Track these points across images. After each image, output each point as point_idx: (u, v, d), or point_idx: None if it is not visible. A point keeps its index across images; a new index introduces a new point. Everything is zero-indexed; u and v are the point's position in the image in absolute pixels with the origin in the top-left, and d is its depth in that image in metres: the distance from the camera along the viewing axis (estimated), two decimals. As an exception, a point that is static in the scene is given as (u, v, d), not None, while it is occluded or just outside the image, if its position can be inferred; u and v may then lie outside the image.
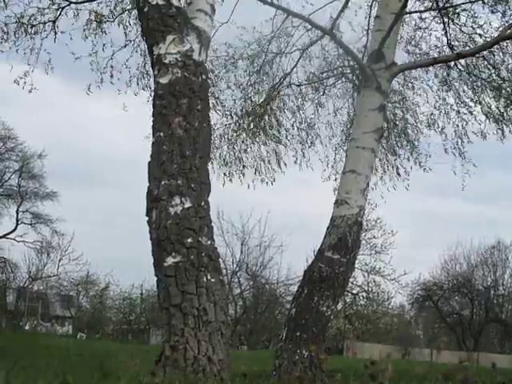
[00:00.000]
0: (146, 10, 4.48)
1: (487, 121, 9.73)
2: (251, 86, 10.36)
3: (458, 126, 10.07)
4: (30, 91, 8.74)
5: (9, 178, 33.81)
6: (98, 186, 54.54)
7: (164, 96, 4.26)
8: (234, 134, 10.38)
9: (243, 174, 10.42)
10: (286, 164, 10.54)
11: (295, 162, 10.60)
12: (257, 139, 10.46)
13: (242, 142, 10.40)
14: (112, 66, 9.09)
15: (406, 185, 10.53)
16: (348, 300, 32.88)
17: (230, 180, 10.29)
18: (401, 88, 10.49)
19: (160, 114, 4.24)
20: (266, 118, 10.47)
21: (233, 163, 10.36)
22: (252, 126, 10.40)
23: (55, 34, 8.83)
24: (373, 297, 34.03)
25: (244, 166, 10.43)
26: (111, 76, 9.10)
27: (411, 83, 10.37)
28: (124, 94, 9.34)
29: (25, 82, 8.73)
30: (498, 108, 9.58)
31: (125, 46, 9.07)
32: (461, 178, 10.03)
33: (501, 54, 9.20)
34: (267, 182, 10.52)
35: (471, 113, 9.90)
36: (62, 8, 8.78)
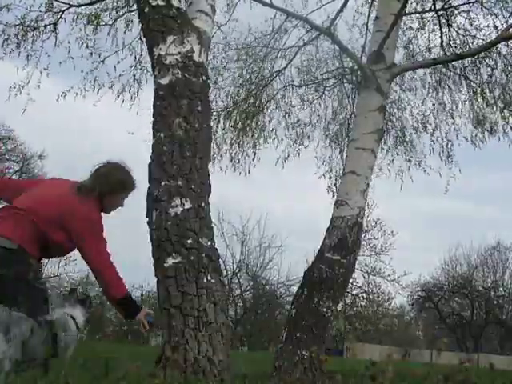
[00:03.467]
0: (146, 10, 4.48)
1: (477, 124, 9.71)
2: (243, 81, 10.37)
3: (449, 129, 10.07)
4: (24, 110, 8.87)
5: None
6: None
7: (164, 97, 4.26)
8: (220, 131, 10.37)
9: (216, 159, 10.39)
10: (259, 158, 10.54)
11: (285, 159, 10.60)
12: (242, 135, 10.44)
13: (224, 129, 10.39)
14: (96, 79, 9.12)
15: (400, 186, 10.54)
16: (348, 301, 32.89)
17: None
18: (397, 89, 10.51)
19: (160, 114, 4.24)
20: (256, 113, 10.47)
21: (213, 149, 10.33)
22: (236, 119, 10.39)
23: (56, 36, 8.86)
24: (373, 298, 34.06)
25: (221, 156, 10.42)
26: (95, 81, 9.14)
27: (408, 84, 10.40)
28: (111, 87, 9.36)
29: (21, 92, 8.78)
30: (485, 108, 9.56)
31: (122, 50, 9.09)
32: (447, 181, 9.99)
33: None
34: (240, 173, 10.53)
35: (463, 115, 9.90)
36: (63, 11, 8.80)
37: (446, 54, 9.18)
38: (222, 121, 10.36)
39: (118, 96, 9.36)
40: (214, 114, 10.24)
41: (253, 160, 10.50)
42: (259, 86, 10.37)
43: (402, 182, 10.47)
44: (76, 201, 3.38)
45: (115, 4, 8.99)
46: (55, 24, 8.84)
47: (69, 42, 8.83)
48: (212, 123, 10.21)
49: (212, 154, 10.21)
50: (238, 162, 10.43)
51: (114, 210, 3.65)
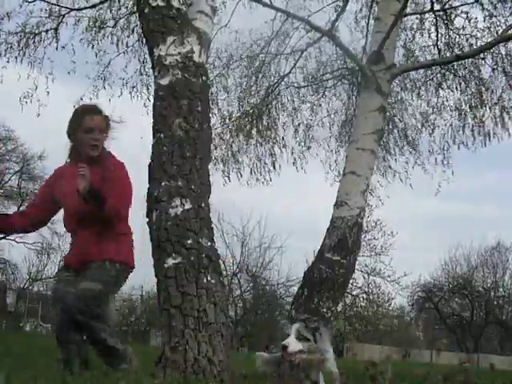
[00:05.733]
0: (146, 11, 4.48)
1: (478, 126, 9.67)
2: (249, 87, 10.38)
3: (447, 130, 10.03)
4: (38, 115, 8.90)
5: (9, 180, 33.91)
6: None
7: (164, 97, 4.26)
8: (229, 135, 10.40)
9: (240, 174, 10.44)
10: (280, 166, 10.56)
11: (293, 164, 10.60)
12: (252, 140, 10.48)
13: (239, 141, 10.43)
14: (104, 78, 9.12)
15: (409, 185, 10.51)
16: (348, 301, 32.88)
17: (228, 178, 10.30)
18: (399, 89, 10.49)
19: (160, 115, 4.24)
20: (264, 119, 10.48)
21: (230, 162, 10.38)
22: (248, 128, 10.41)
23: (57, 41, 8.87)
24: (373, 298, 34.05)
25: (240, 165, 10.45)
26: (104, 87, 9.15)
27: (408, 85, 10.39)
28: (121, 94, 9.38)
29: (31, 101, 8.82)
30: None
31: (125, 52, 9.09)
32: (438, 183, 9.95)
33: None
34: (263, 182, 10.55)
35: (462, 116, 9.86)
36: (63, 15, 8.81)
37: (440, 54, 9.17)
38: (233, 131, 10.40)
39: (131, 95, 9.33)
40: (226, 126, 10.30)
41: (273, 168, 10.52)
42: (267, 92, 10.38)
43: (409, 181, 10.44)
44: None
45: (115, 6, 8.99)
46: (56, 29, 8.85)
47: (72, 45, 8.85)
48: (225, 135, 10.31)
49: (234, 168, 10.30)
50: (258, 172, 10.47)
51: (87, 149, 4.12)
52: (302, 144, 10.63)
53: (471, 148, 9.70)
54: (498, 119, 9.48)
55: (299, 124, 10.68)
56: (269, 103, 10.45)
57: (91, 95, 9.17)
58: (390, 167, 10.54)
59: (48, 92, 8.83)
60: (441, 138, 10.00)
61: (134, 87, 9.32)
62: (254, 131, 10.41)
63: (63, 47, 8.80)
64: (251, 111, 10.34)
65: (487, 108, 9.54)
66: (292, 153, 10.55)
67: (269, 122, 10.56)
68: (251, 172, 10.47)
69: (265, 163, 10.49)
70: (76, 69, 8.89)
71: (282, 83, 10.35)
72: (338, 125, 10.91)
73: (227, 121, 10.35)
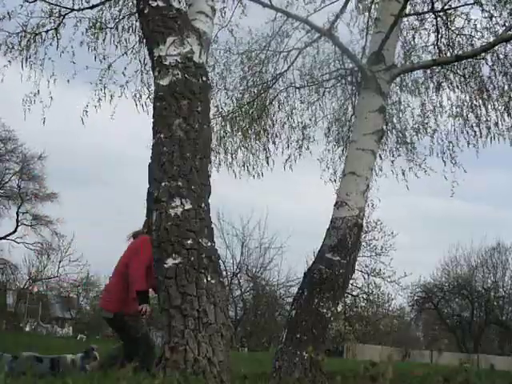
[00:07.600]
0: (146, 11, 4.48)
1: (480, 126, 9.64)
2: (245, 85, 10.37)
3: (450, 129, 9.99)
4: (43, 119, 8.86)
5: (9, 180, 33.89)
6: (97, 185, 54.60)
7: (164, 97, 4.26)
8: (220, 127, 10.38)
9: (230, 166, 10.40)
10: (273, 161, 10.56)
11: (288, 161, 10.58)
12: (247, 139, 10.46)
13: (233, 134, 10.41)
14: (105, 85, 9.08)
15: (405, 186, 10.48)
16: (348, 302, 32.86)
17: (217, 170, 10.27)
18: (397, 90, 10.48)
19: (160, 115, 4.25)
20: (263, 118, 10.48)
21: (221, 153, 10.36)
22: (245, 126, 10.40)
23: (58, 41, 8.85)
24: (373, 299, 34.01)
25: (232, 158, 10.43)
26: (104, 88, 9.13)
27: (408, 85, 10.38)
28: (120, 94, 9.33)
29: (34, 101, 8.80)
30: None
31: (126, 53, 9.06)
32: (451, 184, 9.85)
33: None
34: (254, 176, 10.54)
35: (465, 116, 9.83)
36: (64, 15, 8.79)
37: (440, 54, 9.16)
38: (228, 125, 10.39)
39: (136, 104, 9.28)
40: (220, 118, 10.28)
41: (267, 164, 10.51)
42: (263, 89, 10.37)
43: (406, 182, 10.39)
44: None
45: (116, 7, 8.97)
46: (56, 28, 8.83)
47: (72, 47, 8.82)
48: (218, 128, 10.30)
49: (224, 160, 10.27)
50: (250, 165, 10.44)
51: None
52: (299, 142, 10.62)
53: (476, 146, 9.60)
54: (499, 118, 9.46)
55: (298, 124, 10.67)
56: (266, 101, 10.45)
57: (95, 103, 9.10)
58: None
59: (51, 97, 8.77)
60: (444, 138, 9.96)
61: (137, 95, 9.29)
62: (250, 130, 10.39)
63: (63, 52, 8.76)
64: (246, 107, 10.33)
65: (488, 107, 9.52)
66: (282, 151, 10.55)
67: (266, 119, 10.55)
68: (244, 165, 10.45)
69: (258, 157, 10.48)
70: (76, 70, 8.86)
71: (280, 82, 10.36)
72: (337, 125, 10.90)
73: (221, 111, 10.32)
